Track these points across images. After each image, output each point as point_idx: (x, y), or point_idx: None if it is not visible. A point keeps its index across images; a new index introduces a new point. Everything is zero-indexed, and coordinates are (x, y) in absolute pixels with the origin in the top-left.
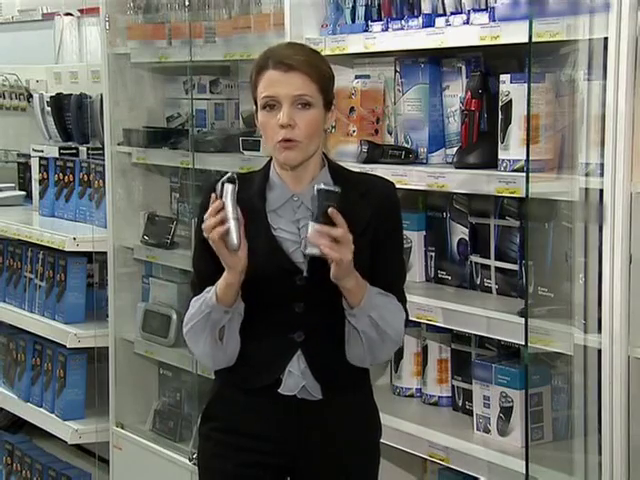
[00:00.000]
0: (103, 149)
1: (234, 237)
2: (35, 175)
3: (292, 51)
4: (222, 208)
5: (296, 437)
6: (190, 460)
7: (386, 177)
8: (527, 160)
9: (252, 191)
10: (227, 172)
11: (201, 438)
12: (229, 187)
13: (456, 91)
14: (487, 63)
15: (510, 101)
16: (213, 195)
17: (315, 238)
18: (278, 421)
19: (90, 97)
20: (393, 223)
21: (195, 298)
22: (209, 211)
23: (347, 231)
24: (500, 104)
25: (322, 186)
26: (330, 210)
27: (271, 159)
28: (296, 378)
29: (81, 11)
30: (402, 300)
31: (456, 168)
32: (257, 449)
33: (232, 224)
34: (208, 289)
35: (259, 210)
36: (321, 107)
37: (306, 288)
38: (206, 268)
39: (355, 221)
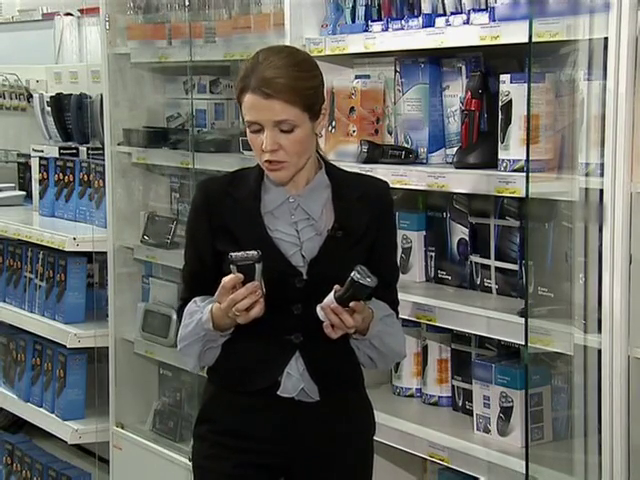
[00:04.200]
0: (103, 149)
1: (262, 311)
2: (35, 175)
3: (272, 72)
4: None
5: (292, 437)
6: (190, 460)
7: (380, 177)
8: (527, 160)
9: (246, 191)
10: (252, 252)
11: (196, 439)
12: (259, 266)
13: (456, 91)
14: (487, 63)
15: (510, 101)
16: (239, 275)
17: (328, 312)
18: (275, 422)
19: (90, 97)
20: (389, 225)
21: (188, 310)
22: (243, 291)
23: (358, 324)
24: (500, 104)
25: (358, 277)
26: (354, 304)
27: None
28: (295, 380)
29: (81, 11)
30: (395, 301)
31: (456, 168)
32: (253, 450)
33: (263, 301)
34: (201, 304)
35: (254, 211)
36: (307, 123)
37: (305, 290)
38: (200, 269)
39: (354, 227)
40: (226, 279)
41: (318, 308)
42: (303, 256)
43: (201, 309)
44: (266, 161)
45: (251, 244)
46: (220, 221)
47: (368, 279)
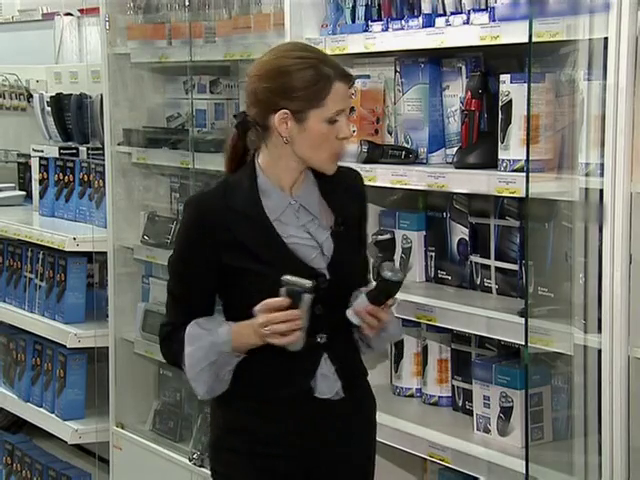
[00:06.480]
0: (103, 149)
1: (299, 344)
2: (35, 175)
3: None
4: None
5: (315, 437)
6: (190, 460)
7: (349, 166)
8: (527, 160)
9: (243, 198)
10: (306, 281)
11: (220, 451)
12: (309, 297)
13: (456, 91)
14: (487, 63)
15: (510, 101)
16: (286, 298)
17: (364, 315)
18: (301, 423)
19: (90, 97)
20: (366, 210)
21: (190, 334)
22: (281, 315)
23: (391, 317)
24: (500, 104)
25: (390, 275)
26: (391, 301)
27: (253, 163)
28: (329, 381)
29: (81, 11)
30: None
31: (456, 168)
32: (280, 455)
33: (302, 333)
34: (207, 327)
35: (263, 220)
36: None
37: (328, 290)
38: (197, 288)
39: (350, 219)
40: (271, 300)
41: (350, 312)
42: (325, 255)
43: (211, 332)
44: (338, 152)
45: (268, 254)
46: (228, 236)
47: (399, 274)
